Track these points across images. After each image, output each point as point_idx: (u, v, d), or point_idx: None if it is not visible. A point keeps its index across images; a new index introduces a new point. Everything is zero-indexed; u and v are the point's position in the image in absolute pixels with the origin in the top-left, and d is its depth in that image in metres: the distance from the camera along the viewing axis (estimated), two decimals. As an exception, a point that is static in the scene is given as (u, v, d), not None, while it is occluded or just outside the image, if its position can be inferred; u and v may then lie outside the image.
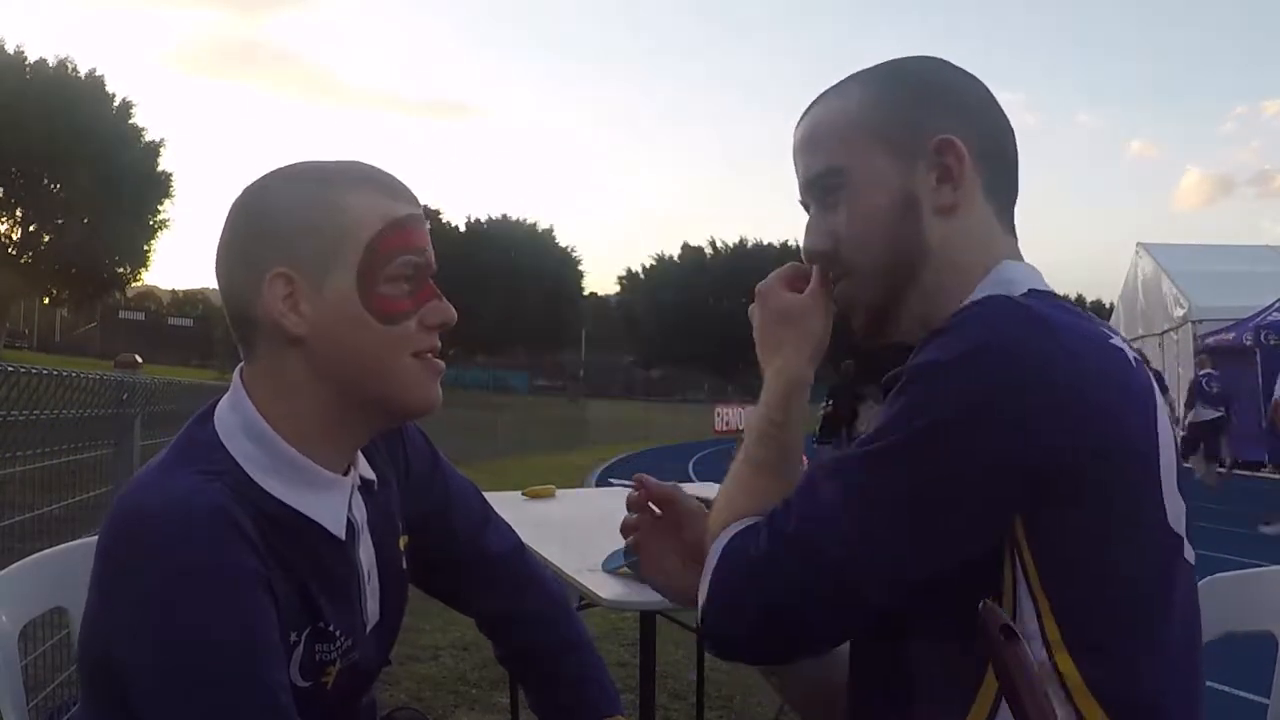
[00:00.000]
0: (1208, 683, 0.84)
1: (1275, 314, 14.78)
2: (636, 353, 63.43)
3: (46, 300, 38.50)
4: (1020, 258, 0.92)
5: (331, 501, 0.92)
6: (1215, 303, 16.04)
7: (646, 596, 1.55)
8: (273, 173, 0.95)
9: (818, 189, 0.93)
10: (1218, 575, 1.24)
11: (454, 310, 0.96)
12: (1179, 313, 16.86)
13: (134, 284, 43.94)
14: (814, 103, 0.96)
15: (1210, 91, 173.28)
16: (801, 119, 0.96)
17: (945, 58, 0.96)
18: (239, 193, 0.95)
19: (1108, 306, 34.65)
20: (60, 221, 35.66)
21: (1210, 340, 15.53)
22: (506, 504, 2.38)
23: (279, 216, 0.90)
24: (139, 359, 3.64)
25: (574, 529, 2.13)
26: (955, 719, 0.78)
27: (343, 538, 0.93)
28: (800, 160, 0.95)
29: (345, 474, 0.95)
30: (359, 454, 0.99)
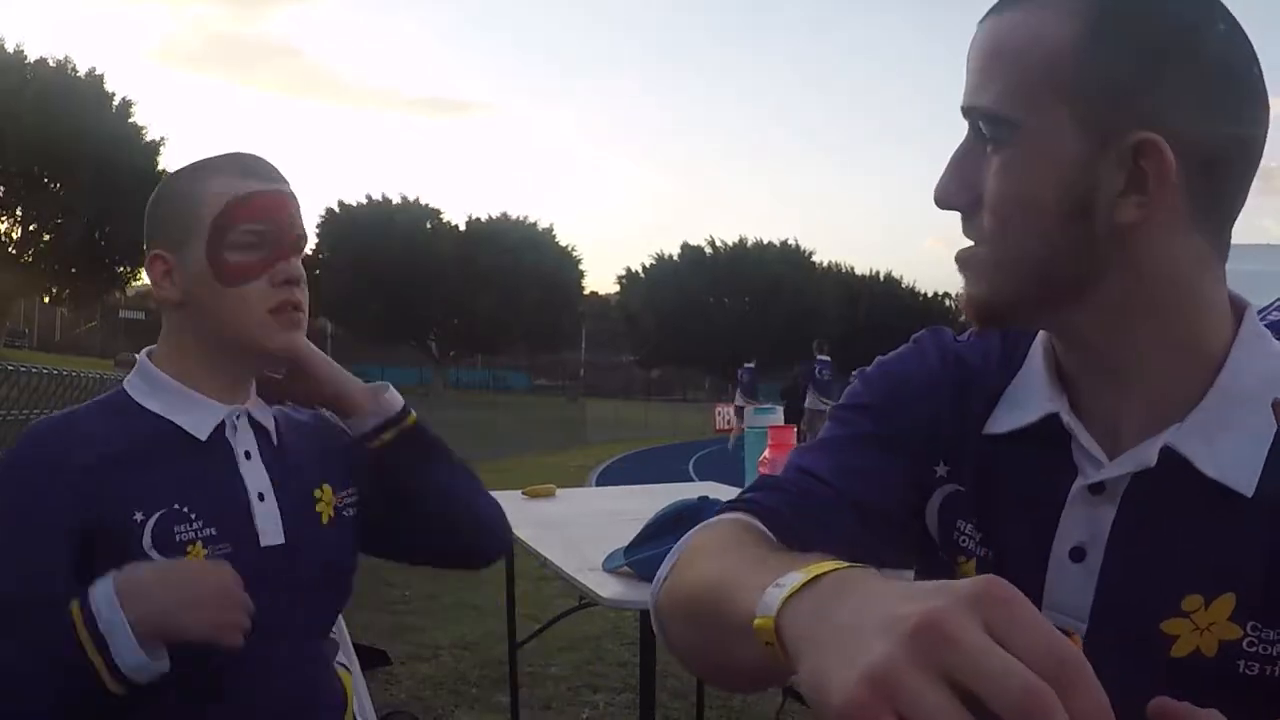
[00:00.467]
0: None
1: (1275, 314, 14.79)
2: (636, 353, 63.43)
3: (46, 299, 38.50)
4: (1224, 275, 0.72)
5: (199, 414, 1.12)
6: (1215, 303, 16.06)
7: (646, 595, 1.54)
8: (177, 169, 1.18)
9: (983, 123, 0.71)
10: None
11: (300, 269, 1.13)
12: (1179, 312, 16.85)
13: (134, 284, 43.97)
14: (1016, 14, 0.70)
15: None
16: (995, 14, 0.72)
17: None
18: None
19: (1108, 306, 34.40)
20: (60, 221, 35.66)
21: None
22: (507, 504, 2.38)
23: (159, 205, 1.14)
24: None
25: (574, 529, 2.13)
26: None
27: (202, 439, 1.10)
28: (972, 71, 0.72)
29: (228, 404, 1.14)
30: (261, 408, 1.18)
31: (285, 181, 1.15)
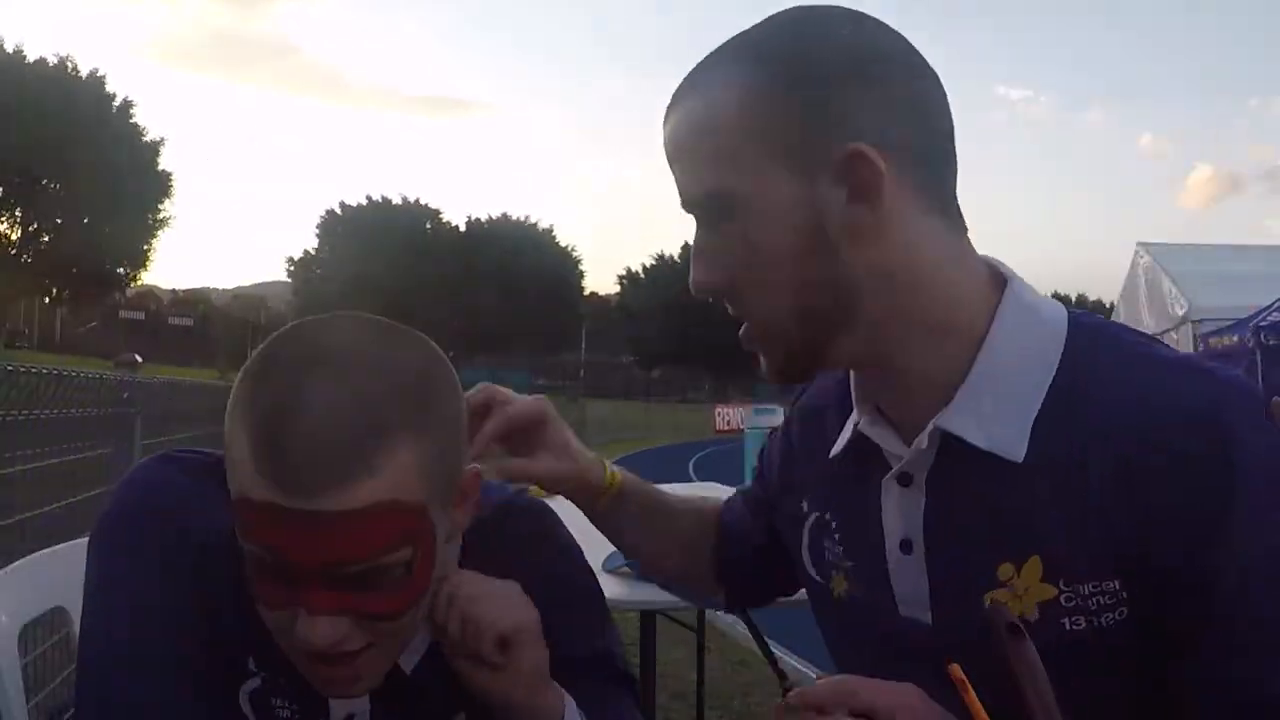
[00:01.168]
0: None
1: (1275, 314, 14.78)
2: (636, 353, 63.42)
3: (46, 300, 38.50)
4: (972, 251, 0.76)
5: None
6: (1215, 303, 16.03)
7: (646, 596, 1.55)
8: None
9: (701, 210, 0.75)
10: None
11: (325, 637, 0.70)
12: (1179, 312, 16.86)
13: (134, 284, 43.94)
14: (685, 88, 0.75)
15: (1222, 86, 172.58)
16: (669, 110, 0.76)
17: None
18: None
19: (1108, 306, 34.61)
20: (60, 221, 35.68)
21: (1210, 340, 15.54)
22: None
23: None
24: (139, 359, 3.66)
25: (574, 528, 2.12)
26: None
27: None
28: (675, 170, 0.76)
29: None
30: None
31: (327, 487, 0.67)
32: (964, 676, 0.64)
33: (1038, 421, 0.71)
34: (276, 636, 0.74)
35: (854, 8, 0.75)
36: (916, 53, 0.74)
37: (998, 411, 0.72)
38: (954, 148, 0.75)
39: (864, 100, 0.70)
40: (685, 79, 0.76)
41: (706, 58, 0.76)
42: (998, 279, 0.77)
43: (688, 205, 0.76)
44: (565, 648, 0.89)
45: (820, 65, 0.71)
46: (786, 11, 0.75)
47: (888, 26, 0.74)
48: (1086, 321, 0.75)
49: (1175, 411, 0.68)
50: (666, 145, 0.76)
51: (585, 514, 1.06)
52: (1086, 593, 0.69)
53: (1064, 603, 0.70)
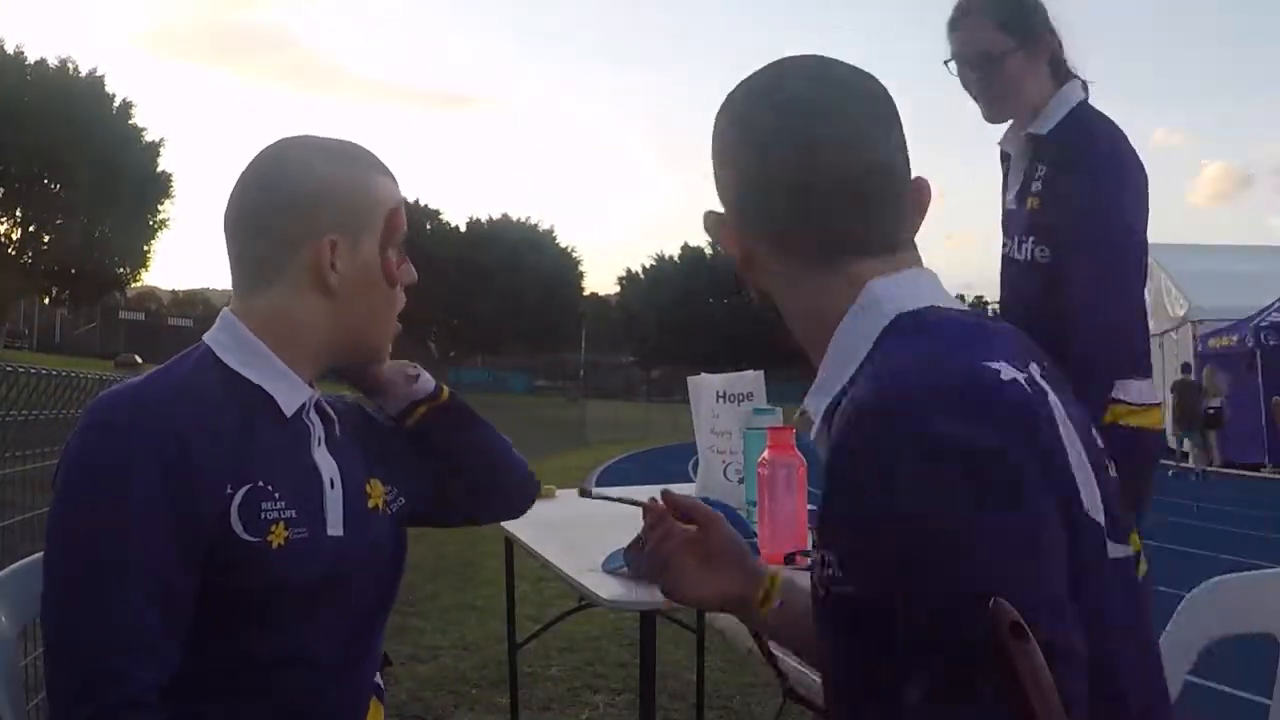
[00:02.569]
0: (1208, 683, 0.84)
1: (1275, 314, 14.78)
2: (636, 353, 63.41)
3: (46, 300, 38.52)
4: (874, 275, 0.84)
5: (287, 387, 1.07)
6: (1215, 303, 16.05)
7: (646, 596, 1.54)
8: (306, 144, 1.12)
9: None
10: (1219, 577, 1.24)
11: (413, 270, 1.16)
12: (1179, 313, 16.86)
13: (134, 284, 43.96)
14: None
15: (1230, 82, 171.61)
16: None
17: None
18: (277, 147, 1.12)
19: (1108, 306, 34.43)
20: (60, 221, 35.67)
21: (1210, 340, 15.54)
22: (506, 504, 2.38)
23: (329, 186, 1.08)
24: (139, 359, 3.66)
25: (574, 529, 2.12)
26: None
27: (288, 414, 1.06)
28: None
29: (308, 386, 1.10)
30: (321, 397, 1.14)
31: None
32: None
33: (828, 406, 0.82)
34: (379, 315, 1.12)
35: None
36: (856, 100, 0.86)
37: (826, 392, 0.83)
38: (872, 165, 0.84)
39: (735, 209, 0.90)
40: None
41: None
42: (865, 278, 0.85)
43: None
44: None
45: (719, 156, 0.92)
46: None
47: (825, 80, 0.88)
48: (916, 314, 0.81)
49: (852, 404, 0.75)
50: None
51: (752, 629, 1.12)
52: (827, 559, 0.75)
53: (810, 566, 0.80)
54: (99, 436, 0.97)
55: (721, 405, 2.10)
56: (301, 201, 1.07)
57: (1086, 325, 1.78)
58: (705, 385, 2.12)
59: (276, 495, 1.02)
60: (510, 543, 2.28)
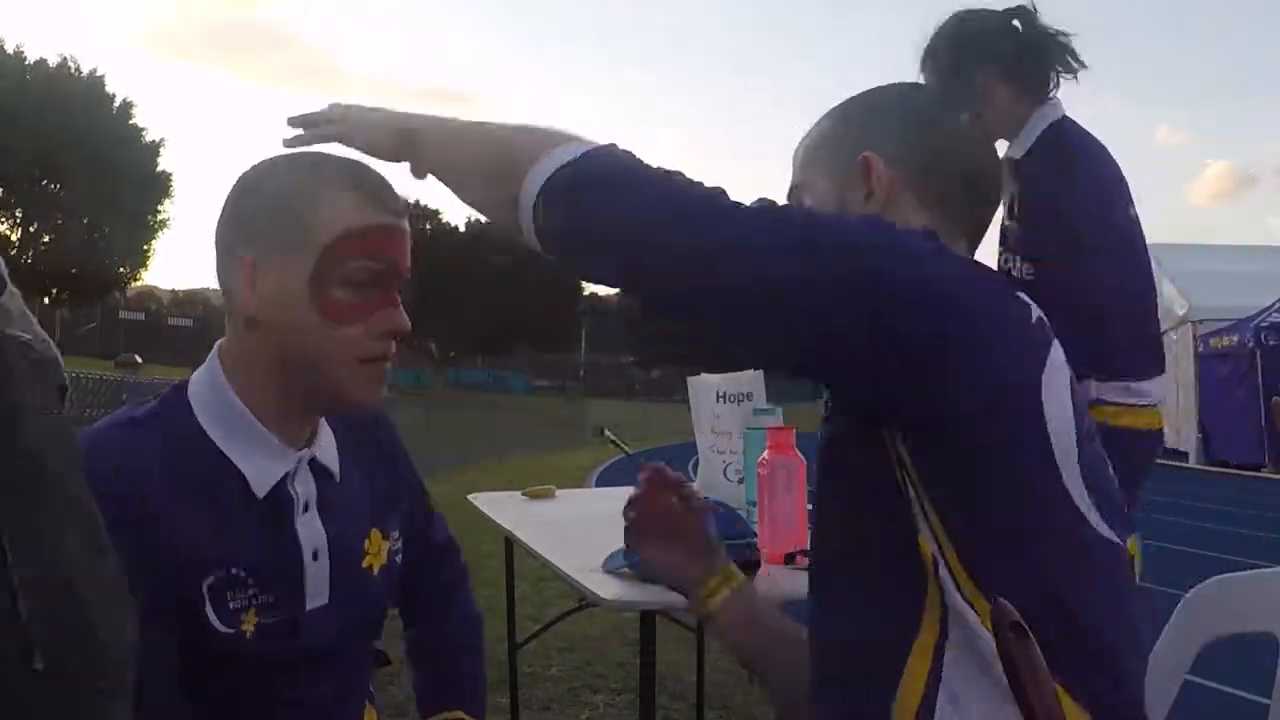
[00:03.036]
0: (1208, 683, 0.84)
1: (1275, 314, 14.77)
2: (636, 353, 63.39)
3: (46, 300, 38.49)
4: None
5: (264, 462, 0.99)
6: (1215, 303, 16.03)
7: (646, 596, 1.54)
8: (284, 155, 1.02)
9: (790, 197, 1.01)
10: (1219, 577, 1.24)
11: (406, 320, 1.00)
12: (1179, 313, 16.85)
13: (134, 284, 43.95)
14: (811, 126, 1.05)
15: (1234, 82, 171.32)
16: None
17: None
18: (246, 170, 1.02)
19: (1108, 306, 34.40)
20: (60, 222, 35.65)
21: (1210, 340, 15.53)
22: (507, 504, 2.38)
23: (260, 202, 0.97)
24: (139, 359, 3.66)
25: (574, 529, 2.12)
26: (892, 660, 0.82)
27: (260, 496, 0.98)
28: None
29: (297, 449, 1.02)
30: (326, 441, 1.06)
31: (405, 210, 1.01)
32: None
33: None
34: (318, 355, 0.95)
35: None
36: (963, 116, 1.00)
37: None
38: (981, 188, 0.98)
39: (888, 127, 0.96)
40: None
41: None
42: None
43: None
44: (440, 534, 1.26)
45: (867, 107, 0.99)
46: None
47: (941, 100, 1.06)
48: None
49: None
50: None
51: (703, 611, 1.14)
52: None
53: None
54: None
55: (721, 405, 2.10)
56: (234, 213, 0.99)
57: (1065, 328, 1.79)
58: (705, 385, 2.12)
59: (249, 580, 0.96)
60: (510, 543, 2.28)
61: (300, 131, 1.02)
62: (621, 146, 0.86)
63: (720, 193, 0.81)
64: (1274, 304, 14.80)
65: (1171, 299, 17.13)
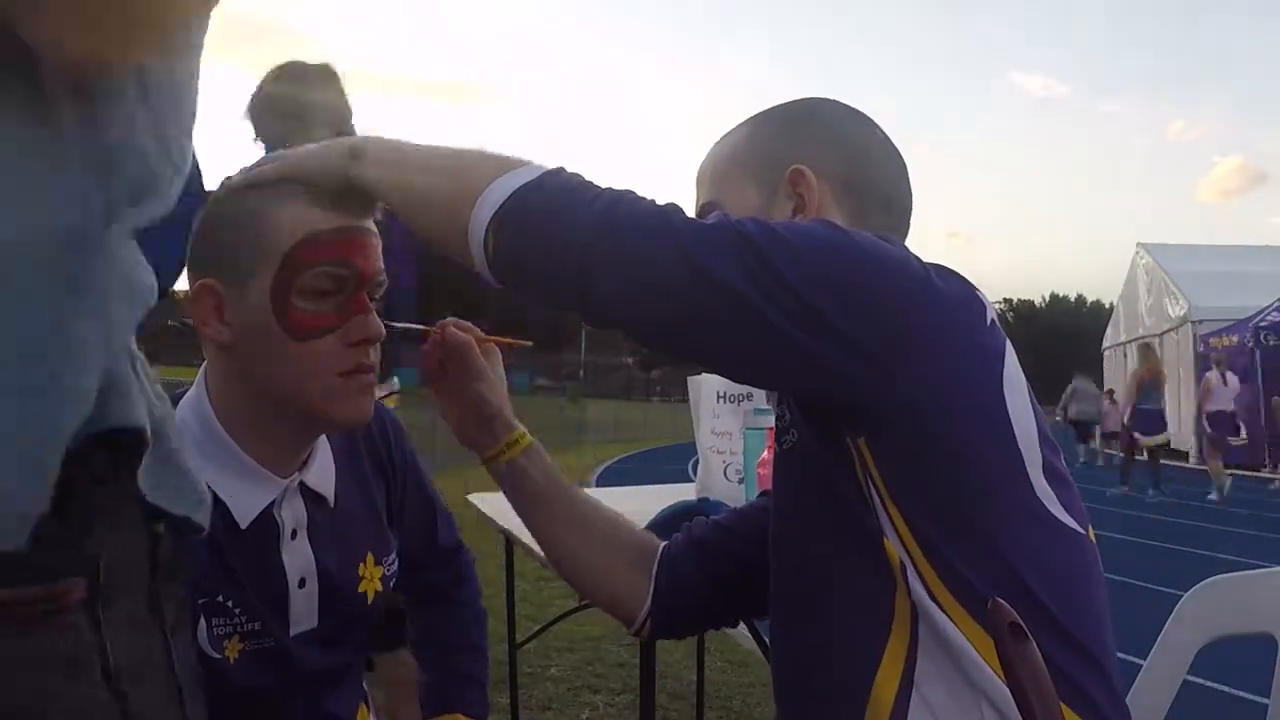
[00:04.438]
0: (1207, 683, 0.85)
1: (1275, 314, 14.77)
2: (636, 353, 63.40)
3: (46, 300, 38.44)
4: None
5: (248, 491, 0.96)
6: (1215, 303, 16.04)
7: (646, 597, 1.54)
8: (234, 179, 0.96)
9: (701, 214, 0.97)
10: (1219, 577, 1.24)
11: (380, 326, 0.96)
12: (1179, 313, 16.85)
13: (134, 284, 43.87)
14: (714, 144, 1.03)
15: (1247, 77, 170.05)
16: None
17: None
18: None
19: (1108, 306, 34.59)
20: (60, 221, 35.65)
21: (1210, 340, 15.52)
22: (507, 504, 2.37)
23: (218, 225, 0.93)
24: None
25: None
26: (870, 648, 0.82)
27: (243, 526, 0.96)
28: (696, 189, 1.03)
29: (285, 475, 0.99)
30: (322, 464, 1.04)
31: (369, 210, 0.95)
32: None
33: None
34: (293, 376, 0.91)
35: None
36: (879, 134, 1.00)
37: None
38: (895, 210, 0.98)
39: (816, 139, 0.97)
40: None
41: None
42: None
43: (698, 211, 1.00)
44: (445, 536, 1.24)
45: (790, 120, 1.00)
46: (799, 100, 1.03)
47: (868, 118, 1.00)
48: None
49: None
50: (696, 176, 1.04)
51: (488, 469, 1.11)
52: None
53: None
54: None
55: (721, 405, 2.10)
56: (197, 241, 0.95)
57: None
58: (705, 385, 2.12)
59: (235, 609, 0.95)
60: (510, 542, 2.28)
61: (261, 169, 0.95)
62: (569, 169, 0.83)
63: (673, 209, 0.79)
64: (1274, 304, 14.79)
65: (1172, 299, 17.14)
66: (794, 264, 0.75)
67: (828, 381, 0.78)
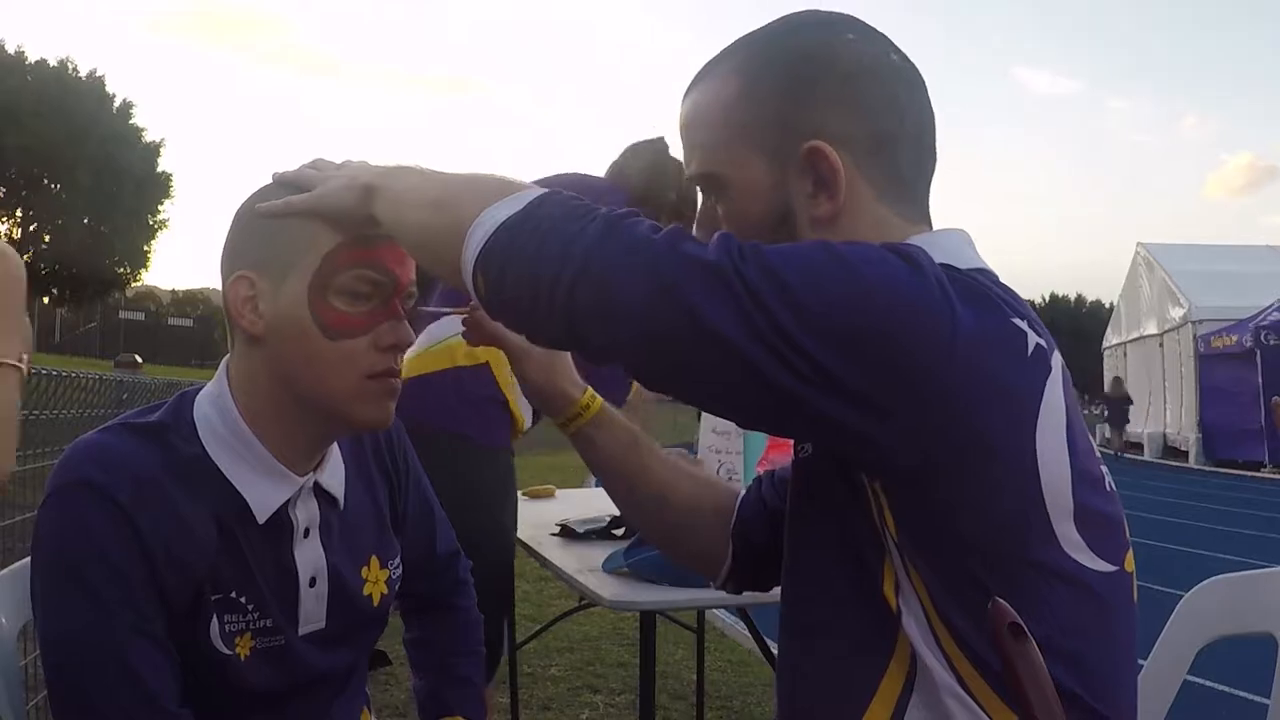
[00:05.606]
0: (1208, 683, 0.84)
1: (1275, 314, 14.78)
2: (636, 353, 63.23)
3: (46, 300, 38.49)
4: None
5: (267, 488, 0.96)
6: (1215, 303, 16.05)
7: (646, 596, 1.55)
8: (274, 182, 0.99)
9: (701, 186, 0.88)
10: (1219, 577, 1.24)
11: (410, 333, 0.98)
12: (1179, 313, 16.86)
13: (134, 284, 43.95)
14: (696, 80, 0.88)
15: (1259, 73, 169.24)
16: (685, 97, 0.89)
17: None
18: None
19: (1108, 306, 34.57)
20: (60, 221, 35.67)
21: (1210, 340, 15.52)
22: (506, 504, 2.37)
23: (259, 220, 0.96)
24: (139, 359, 3.66)
25: (572, 510, 2.13)
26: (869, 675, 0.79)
27: (261, 522, 0.96)
28: (684, 147, 0.89)
29: (302, 474, 0.99)
30: (334, 466, 1.04)
31: None
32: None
33: None
34: (322, 373, 0.93)
35: (851, 13, 0.87)
36: (895, 57, 0.84)
37: None
38: (926, 141, 0.85)
39: (832, 96, 0.81)
40: (699, 70, 0.88)
41: (719, 52, 0.87)
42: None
43: (690, 180, 0.89)
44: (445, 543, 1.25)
45: (797, 67, 0.82)
46: (787, 17, 0.86)
47: (875, 33, 0.85)
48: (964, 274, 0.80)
49: None
50: (679, 123, 0.89)
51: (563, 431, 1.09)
52: None
53: None
54: (63, 527, 0.90)
55: (721, 405, 2.10)
56: (235, 234, 0.98)
57: None
58: (705, 385, 2.11)
59: (249, 605, 0.96)
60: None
61: (276, 202, 0.96)
62: (562, 193, 0.77)
63: (669, 242, 0.71)
64: (1274, 304, 14.79)
65: (1171, 299, 17.15)
66: (800, 313, 0.68)
67: (839, 440, 0.74)
